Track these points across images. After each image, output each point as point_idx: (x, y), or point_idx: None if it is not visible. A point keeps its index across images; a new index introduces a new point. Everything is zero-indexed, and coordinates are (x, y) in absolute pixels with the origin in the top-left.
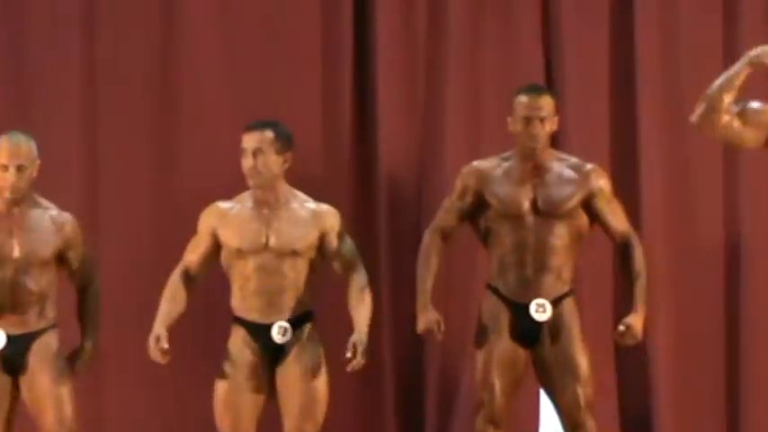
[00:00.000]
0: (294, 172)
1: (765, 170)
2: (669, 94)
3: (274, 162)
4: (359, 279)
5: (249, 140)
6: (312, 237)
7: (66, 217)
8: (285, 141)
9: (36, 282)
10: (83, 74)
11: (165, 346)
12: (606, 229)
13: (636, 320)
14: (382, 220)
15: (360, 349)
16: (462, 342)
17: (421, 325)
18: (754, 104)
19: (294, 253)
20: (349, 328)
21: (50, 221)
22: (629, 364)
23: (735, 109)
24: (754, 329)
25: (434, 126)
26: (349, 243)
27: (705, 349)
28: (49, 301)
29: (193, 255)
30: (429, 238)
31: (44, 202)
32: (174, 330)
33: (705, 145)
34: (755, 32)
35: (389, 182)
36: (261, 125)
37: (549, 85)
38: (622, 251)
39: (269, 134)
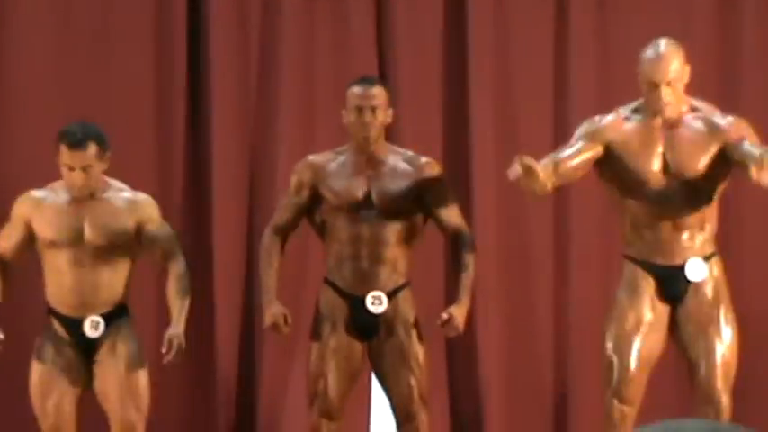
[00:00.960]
0: (126, 172)
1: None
2: (501, 90)
3: (99, 171)
4: (177, 268)
5: (75, 159)
6: (129, 227)
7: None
8: (106, 147)
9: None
10: None
11: None
12: (439, 222)
13: (458, 311)
14: (215, 218)
15: (175, 343)
16: (294, 336)
17: (268, 319)
18: (564, 157)
19: (111, 245)
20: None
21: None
22: (461, 360)
23: (549, 170)
24: (581, 329)
25: (268, 126)
26: (168, 231)
27: (534, 347)
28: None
29: (6, 243)
30: (268, 238)
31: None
32: None
33: (535, 142)
34: (584, 30)
35: (222, 179)
36: (84, 140)
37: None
38: (453, 245)
39: (92, 150)
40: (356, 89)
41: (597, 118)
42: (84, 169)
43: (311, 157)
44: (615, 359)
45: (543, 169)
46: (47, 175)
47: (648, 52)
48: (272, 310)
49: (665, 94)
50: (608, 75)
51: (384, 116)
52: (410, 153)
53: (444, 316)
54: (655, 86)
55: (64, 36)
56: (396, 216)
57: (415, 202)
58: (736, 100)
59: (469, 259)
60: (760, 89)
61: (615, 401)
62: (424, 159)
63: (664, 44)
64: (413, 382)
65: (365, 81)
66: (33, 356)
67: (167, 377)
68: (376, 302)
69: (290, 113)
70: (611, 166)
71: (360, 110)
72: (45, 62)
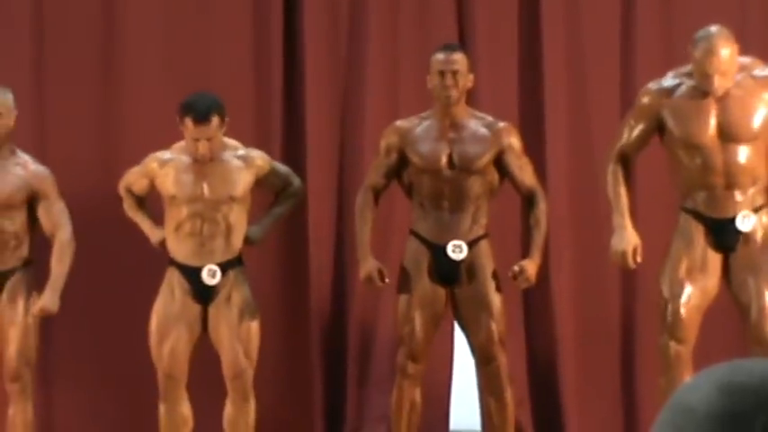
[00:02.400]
0: (227, 133)
1: None
2: (572, 56)
3: (220, 138)
4: (294, 186)
5: (201, 133)
6: (246, 181)
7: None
8: (225, 115)
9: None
10: (32, 35)
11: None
12: (514, 182)
13: (530, 265)
14: (307, 179)
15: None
16: (380, 288)
17: (363, 273)
18: (624, 145)
19: (230, 200)
20: None
21: None
22: (536, 308)
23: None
24: (646, 277)
25: (356, 93)
26: (283, 168)
27: (603, 291)
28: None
29: (136, 186)
30: (362, 197)
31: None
32: None
33: (606, 102)
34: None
35: (315, 142)
36: (208, 115)
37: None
38: (527, 203)
39: (215, 122)
40: (439, 55)
41: (652, 87)
42: (209, 139)
43: (398, 123)
44: (669, 302)
45: (613, 174)
46: (158, 143)
47: (700, 44)
48: (367, 266)
49: (717, 81)
50: (672, 36)
51: (465, 80)
52: (489, 118)
53: (516, 268)
54: (707, 76)
55: (171, 10)
56: (475, 175)
57: (493, 164)
58: None
59: (542, 217)
60: None
61: (670, 342)
62: (501, 124)
63: (714, 35)
64: (492, 326)
65: (447, 47)
66: (155, 304)
67: (265, 326)
68: (456, 250)
69: (377, 82)
70: (667, 132)
71: (442, 74)
72: (155, 34)
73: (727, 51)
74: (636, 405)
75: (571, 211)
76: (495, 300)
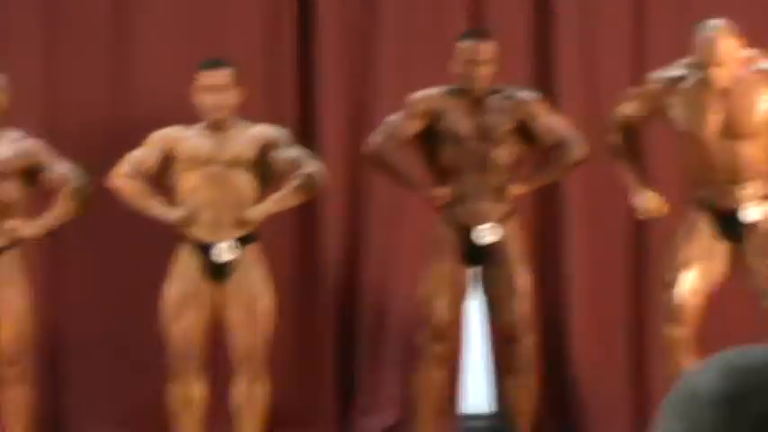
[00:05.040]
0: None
1: None
2: (587, 48)
3: (233, 99)
4: (310, 167)
5: (212, 78)
6: (255, 152)
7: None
8: (235, 73)
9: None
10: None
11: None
12: (548, 135)
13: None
14: (319, 152)
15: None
16: (390, 265)
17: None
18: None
19: (246, 167)
20: None
21: None
22: (548, 294)
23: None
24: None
25: (368, 78)
26: (297, 151)
27: (617, 264)
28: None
29: (148, 164)
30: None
31: None
32: None
33: (619, 93)
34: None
35: (328, 118)
36: (220, 63)
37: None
38: (557, 150)
39: (227, 72)
40: (467, 42)
41: (659, 74)
42: (220, 91)
43: (426, 92)
44: (670, 286)
45: (615, 146)
46: (170, 117)
47: (700, 35)
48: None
49: (717, 72)
50: (685, 29)
51: (491, 69)
52: (510, 89)
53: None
54: (706, 66)
55: None
56: (502, 146)
57: (520, 132)
58: None
59: (569, 160)
60: None
61: (670, 324)
62: (522, 92)
63: (713, 26)
64: (520, 306)
65: (475, 34)
66: (167, 280)
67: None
68: (484, 233)
69: (390, 67)
70: (671, 122)
71: (471, 62)
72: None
73: (726, 42)
74: (647, 391)
75: (584, 203)
76: (523, 280)
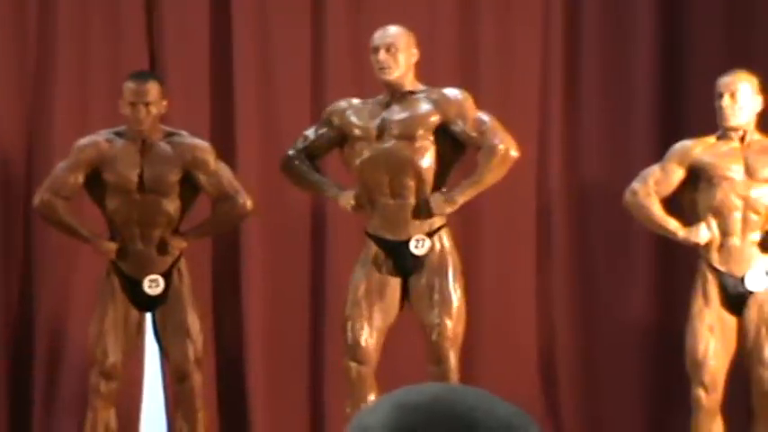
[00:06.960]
0: None
1: None
2: (263, 78)
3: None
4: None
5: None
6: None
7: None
8: (162, 90)
9: None
10: None
11: None
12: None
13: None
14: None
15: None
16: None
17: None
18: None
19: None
20: None
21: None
22: (227, 320)
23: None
24: (336, 283)
25: (44, 111)
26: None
27: (294, 308)
28: None
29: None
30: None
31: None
32: None
33: (297, 115)
34: (339, 30)
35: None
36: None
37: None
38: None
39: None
40: (130, 84)
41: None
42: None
43: (92, 138)
44: (347, 323)
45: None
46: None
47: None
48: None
49: (383, 56)
50: (360, 63)
51: (159, 108)
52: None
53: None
54: (375, 51)
55: None
56: (166, 200)
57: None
58: (477, 92)
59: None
60: (496, 82)
61: (351, 363)
62: (195, 140)
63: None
64: (190, 346)
65: (139, 76)
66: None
67: None
68: (154, 286)
69: (66, 99)
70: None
71: (133, 104)
72: None
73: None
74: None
75: (262, 233)
76: (194, 322)
